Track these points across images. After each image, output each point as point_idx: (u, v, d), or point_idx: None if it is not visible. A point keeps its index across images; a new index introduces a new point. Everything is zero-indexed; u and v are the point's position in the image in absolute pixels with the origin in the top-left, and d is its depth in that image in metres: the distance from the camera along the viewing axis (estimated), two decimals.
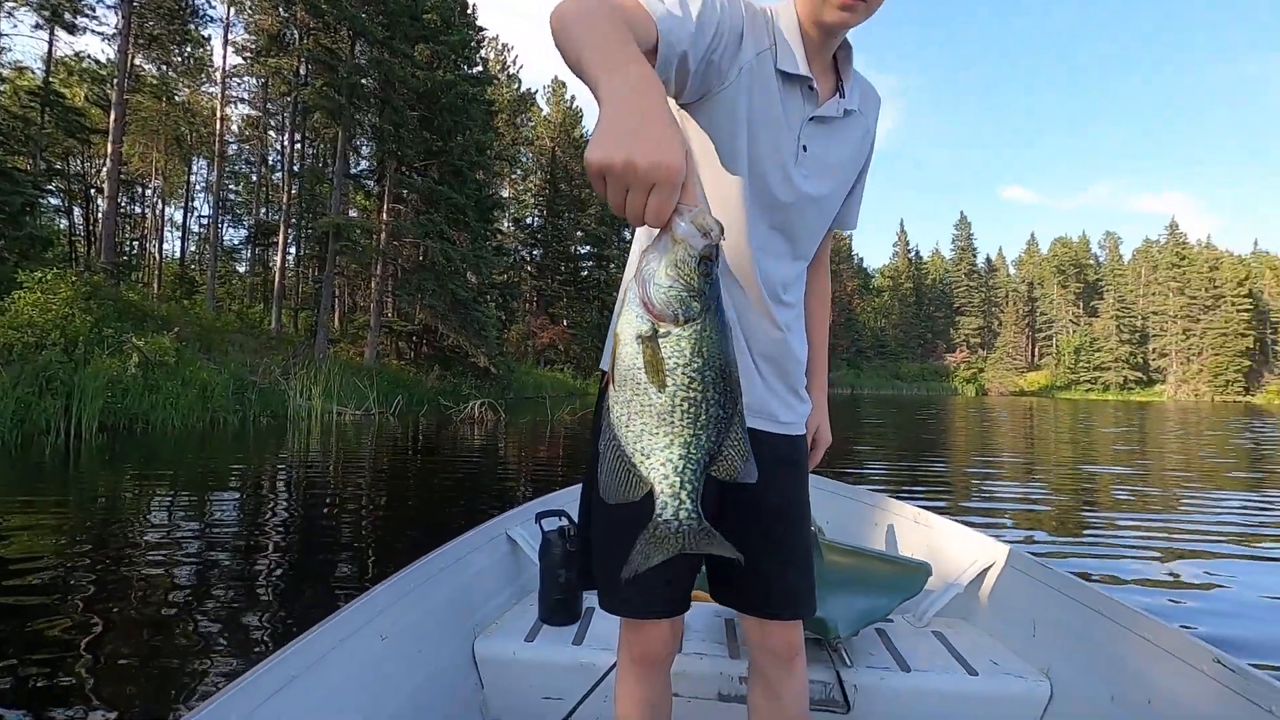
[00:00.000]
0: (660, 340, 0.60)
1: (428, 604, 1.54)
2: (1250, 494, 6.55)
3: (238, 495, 5.44)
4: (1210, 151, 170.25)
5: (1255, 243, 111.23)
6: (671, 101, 0.97)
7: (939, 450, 10.87)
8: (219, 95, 23.93)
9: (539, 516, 1.94)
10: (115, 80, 18.27)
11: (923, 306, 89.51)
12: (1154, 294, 77.87)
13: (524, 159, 43.28)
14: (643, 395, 0.61)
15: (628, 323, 0.61)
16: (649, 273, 0.61)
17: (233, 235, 36.41)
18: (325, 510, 4.94)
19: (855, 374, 75.35)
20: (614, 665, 1.53)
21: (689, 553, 0.66)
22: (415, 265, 22.42)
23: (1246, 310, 71.88)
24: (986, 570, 1.85)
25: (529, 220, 43.48)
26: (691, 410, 0.61)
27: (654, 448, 0.62)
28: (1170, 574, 3.67)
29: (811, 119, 1.00)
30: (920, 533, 2.16)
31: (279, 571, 3.36)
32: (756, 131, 0.97)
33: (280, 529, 4.27)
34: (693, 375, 0.61)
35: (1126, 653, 1.33)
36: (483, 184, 26.25)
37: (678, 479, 0.62)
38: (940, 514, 2.17)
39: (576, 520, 1.14)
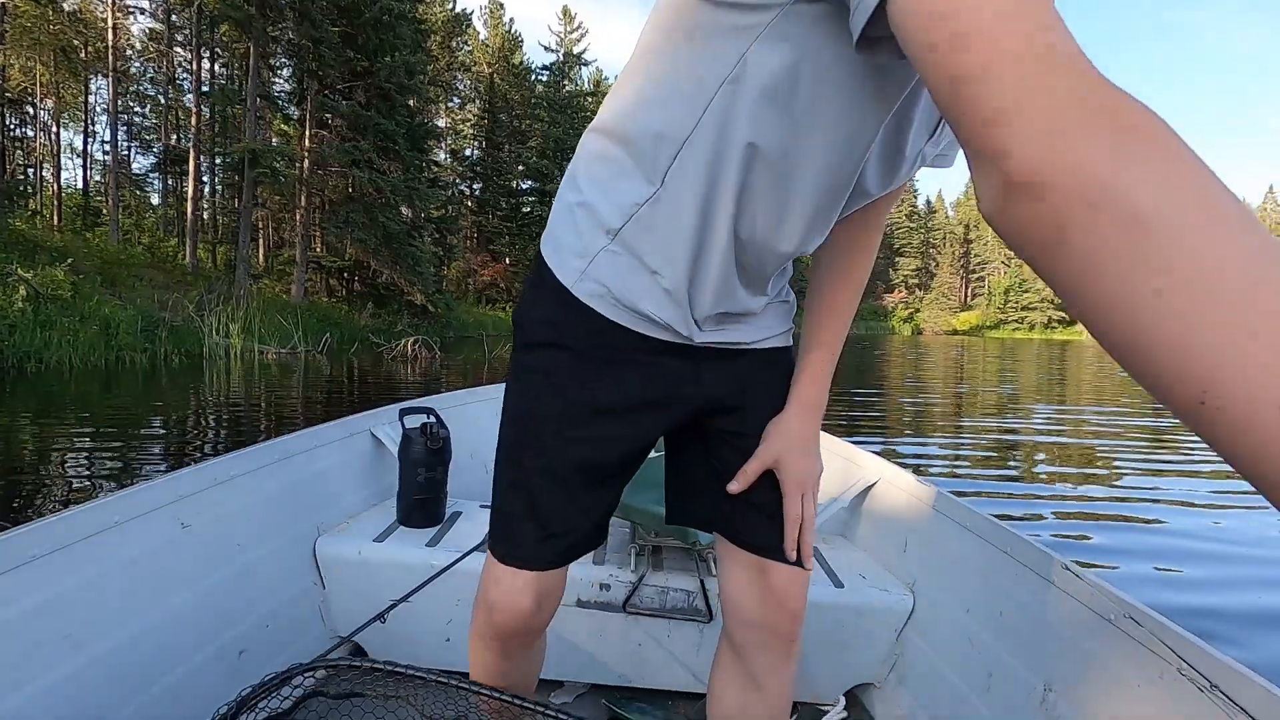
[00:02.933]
0: None
1: (254, 495, 1.39)
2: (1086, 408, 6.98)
3: (150, 434, 5.08)
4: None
5: None
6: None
7: (864, 383, 11.22)
8: (110, 1, 21.52)
9: (403, 413, 1.80)
10: None
11: None
12: None
13: (460, 86, 41.01)
14: None
15: None
16: None
17: (143, 163, 33.66)
18: (234, 442, 4.67)
19: (800, 314, 76.70)
20: (464, 555, 1.42)
21: None
22: (343, 197, 21.17)
23: None
24: (869, 489, 1.81)
25: (468, 152, 41.56)
26: None
27: None
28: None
29: None
30: None
31: None
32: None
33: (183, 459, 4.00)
34: None
35: (985, 566, 1.30)
36: (415, 111, 24.76)
37: None
38: (834, 434, 2.12)
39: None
